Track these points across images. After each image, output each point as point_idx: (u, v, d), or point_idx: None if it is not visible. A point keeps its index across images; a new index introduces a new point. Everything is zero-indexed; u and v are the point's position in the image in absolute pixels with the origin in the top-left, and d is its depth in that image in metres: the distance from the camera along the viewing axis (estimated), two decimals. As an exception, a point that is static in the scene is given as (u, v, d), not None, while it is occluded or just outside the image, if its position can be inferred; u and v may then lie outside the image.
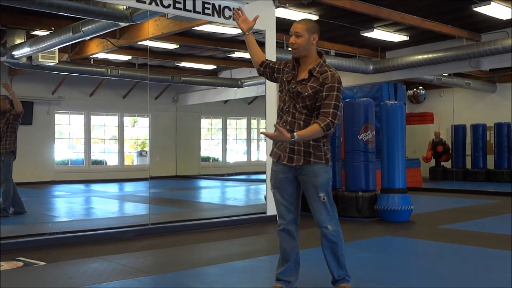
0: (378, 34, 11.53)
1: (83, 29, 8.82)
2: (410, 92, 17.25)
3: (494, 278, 4.35)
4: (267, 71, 3.86)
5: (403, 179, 7.70)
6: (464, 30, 11.43)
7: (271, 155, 3.74)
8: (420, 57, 12.07)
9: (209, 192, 14.36)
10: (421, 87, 17.39)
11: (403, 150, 7.87)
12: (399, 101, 8.80)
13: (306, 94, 3.52)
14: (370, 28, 11.16)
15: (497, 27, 11.11)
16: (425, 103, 18.00)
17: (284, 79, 3.70)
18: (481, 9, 9.65)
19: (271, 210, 7.72)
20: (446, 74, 14.71)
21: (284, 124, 3.59)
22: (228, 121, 21.11)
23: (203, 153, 20.45)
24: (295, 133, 3.39)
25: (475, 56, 11.36)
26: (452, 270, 4.62)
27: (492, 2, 9.27)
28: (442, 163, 16.48)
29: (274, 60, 7.93)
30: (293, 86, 3.60)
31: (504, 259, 5.08)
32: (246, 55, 13.32)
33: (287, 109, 3.62)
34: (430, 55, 11.89)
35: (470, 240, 6.19)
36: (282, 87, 3.73)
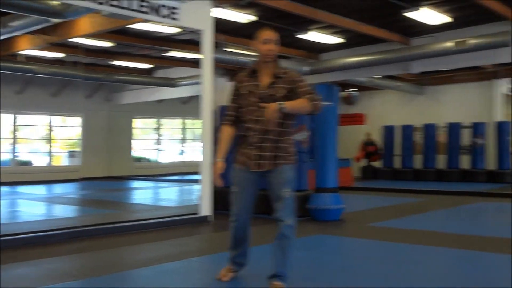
0: (314, 36, 11.70)
1: (12, 24, 8.47)
2: (343, 93, 17.63)
3: (420, 273, 4.50)
4: (236, 114, 3.94)
5: (334, 178, 7.85)
6: (396, 34, 11.79)
7: (235, 162, 3.92)
8: (354, 59, 12.36)
9: (142, 193, 14.15)
10: (354, 89, 17.80)
11: (335, 151, 8.01)
12: (332, 102, 8.94)
13: (282, 95, 3.75)
14: (305, 30, 11.32)
15: (427, 31, 11.53)
16: (357, 104, 18.43)
17: (245, 91, 3.87)
18: (411, 14, 9.98)
19: (204, 211, 7.69)
20: (378, 76, 15.13)
21: (257, 133, 3.78)
22: (163, 121, 20.88)
23: (137, 153, 20.15)
24: (283, 103, 3.63)
25: (406, 60, 11.76)
26: (381, 267, 4.75)
27: (421, 8, 9.62)
28: (373, 163, 16.94)
29: (211, 60, 7.92)
30: (261, 92, 3.80)
31: (429, 254, 5.29)
32: (182, 54, 13.20)
33: (257, 118, 3.77)
34: (363, 58, 12.20)
35: (398, 237, 6.38)
36: (243, 101, 3.87)
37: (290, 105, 3.66)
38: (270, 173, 3.82)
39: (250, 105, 3.81)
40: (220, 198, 8.44)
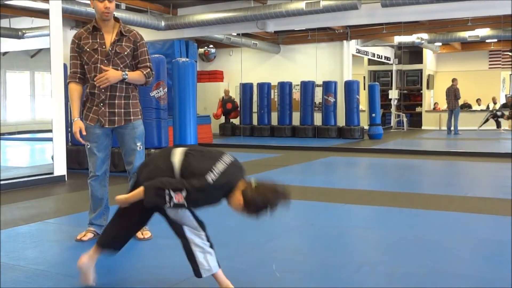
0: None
1: None
2: (201, 50, 17.55)
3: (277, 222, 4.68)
4: (82, 70, 3.95)
5: (194, 135, 7.86)
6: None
7: (85, 119, 3.92)
8: (211, 16, 12.29)
9: (-12, 153, 13.10)
10: (211, 46, 17.78)
11: (194, 107, 8.00)
12: (190, 59, 8.89)
13: (125, 53, 3.84)
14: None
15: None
16: (215, 62, 18.49)
17: (87, 49, 3.84)
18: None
19: (59, 170, 7.33)
20: (235, 34, 15.23)
21: (104, 90, 3.82)
22: (8, 74, 19.32)
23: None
24: (126, 72, 3.80)
25: (262, 18, 11.94)
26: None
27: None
28: (231, 120, 17.21)
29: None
30: (110, 49, 3.81)
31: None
32: (27, 3, 12.20)
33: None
34: (220, 15, 12.18)
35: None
36: (88, 58, 3.85)
37: (131, 76, 3.83)
38: (122, 128, 3.93)
39: (96, 62, 3.82)
40: (74, 157, 8.12)
